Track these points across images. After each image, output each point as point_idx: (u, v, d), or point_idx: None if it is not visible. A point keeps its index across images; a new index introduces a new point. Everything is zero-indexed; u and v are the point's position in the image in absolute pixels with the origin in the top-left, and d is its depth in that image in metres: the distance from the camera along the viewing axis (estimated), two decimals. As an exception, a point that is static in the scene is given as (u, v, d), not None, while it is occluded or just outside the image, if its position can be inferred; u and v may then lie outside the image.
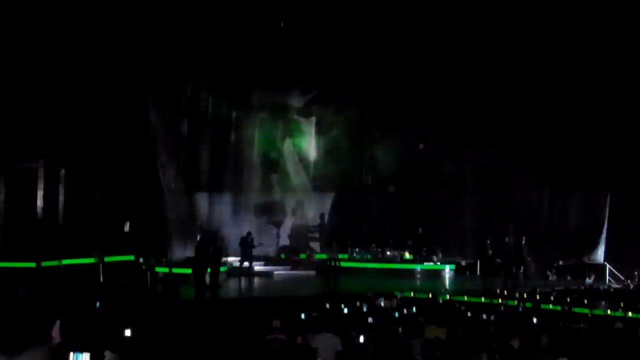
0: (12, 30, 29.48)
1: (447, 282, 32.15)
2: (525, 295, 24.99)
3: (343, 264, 33.98)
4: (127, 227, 32.30)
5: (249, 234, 33.24)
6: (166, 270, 30.90)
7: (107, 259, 31.54)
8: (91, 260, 30.87)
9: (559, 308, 23.11)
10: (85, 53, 30.61)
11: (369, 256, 34.77)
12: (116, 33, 30.78)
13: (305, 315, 19.87)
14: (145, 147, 32.14)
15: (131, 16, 30.91)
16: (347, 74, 34.99)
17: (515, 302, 23.99)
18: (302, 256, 35.08)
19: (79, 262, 30.99)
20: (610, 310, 22.02)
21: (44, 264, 30.02)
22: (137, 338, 16.61)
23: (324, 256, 34.64)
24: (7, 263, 29.64)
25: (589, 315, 21.57)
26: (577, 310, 22.65)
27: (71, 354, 13.01)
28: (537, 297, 24.65)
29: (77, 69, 30.60)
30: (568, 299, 24.09)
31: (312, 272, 33.91)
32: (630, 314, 21.42)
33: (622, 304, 22.58)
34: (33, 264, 29.71)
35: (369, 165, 37.20)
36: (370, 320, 19.04)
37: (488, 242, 32.12)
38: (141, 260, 31.97)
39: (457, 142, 35.73)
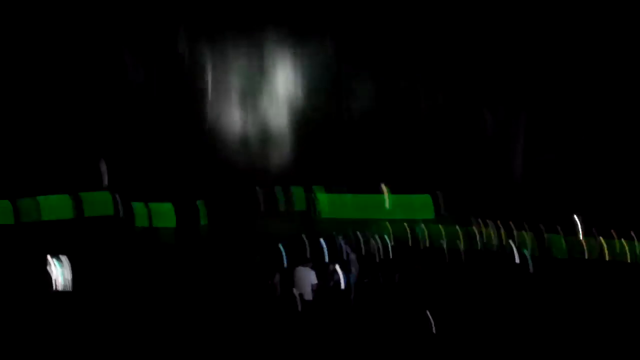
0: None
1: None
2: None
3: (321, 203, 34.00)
4: (102, 167, 32.10)
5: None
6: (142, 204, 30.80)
7: (82, 196, 31.34)
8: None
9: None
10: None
11: (344, 189, 34.80)
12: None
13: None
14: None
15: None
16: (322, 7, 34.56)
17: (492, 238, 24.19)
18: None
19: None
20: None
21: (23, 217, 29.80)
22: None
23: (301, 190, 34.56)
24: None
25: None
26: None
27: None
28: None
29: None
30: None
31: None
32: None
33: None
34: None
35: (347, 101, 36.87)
36: (348, 255, 19.25)
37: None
38: (117, 195, 31.80)
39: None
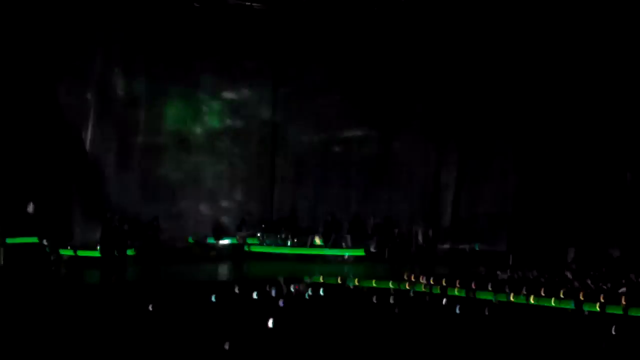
0: None
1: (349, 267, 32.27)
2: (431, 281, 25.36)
3: (253, 248, 33.89)
4: (30, 208, 31.38)
5: (155, 218, 32.78)
6: (71, 253, 30.20)
7: (9, 240, 30.62)
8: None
9: (463, 293, 23.58)
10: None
11: (279, 242, 34.71)
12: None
13: (215, 299, 19.77)
14: (51, 122, 31.26)
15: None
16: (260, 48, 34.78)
17: (422, 288, 24.36)
18: (210, 240, 34.68)
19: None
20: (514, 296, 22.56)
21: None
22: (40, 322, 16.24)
23: (233, 241, 34.39)
24: None
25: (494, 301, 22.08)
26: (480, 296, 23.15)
27: None
28: (444, 282, 25.03)
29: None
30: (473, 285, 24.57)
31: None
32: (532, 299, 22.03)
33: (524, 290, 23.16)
34: None
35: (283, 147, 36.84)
36: (280, 303, 19.07)
37: (396, 230, 32.55)
38: (45, 242, 31.12)
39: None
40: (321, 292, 21.38)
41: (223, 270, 31.20)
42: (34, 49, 31.03)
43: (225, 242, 34.32)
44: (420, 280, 25.24)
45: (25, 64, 30.86)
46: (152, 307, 17.67)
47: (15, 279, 25.92)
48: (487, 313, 19.09)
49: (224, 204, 35.83)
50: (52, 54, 31.40)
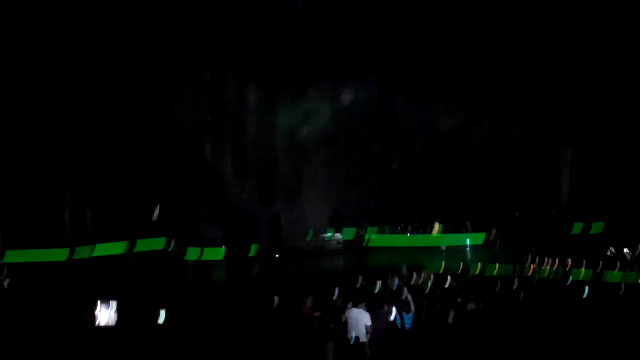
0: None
1: (470, 255, 32.03)
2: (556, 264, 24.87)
3: (373, 240, 34.05)
4: (156, 213, 32.54)
5: (277, 215, 33.44)
6: (198, 253, 31.14)
7: (138, 243, 31.86)
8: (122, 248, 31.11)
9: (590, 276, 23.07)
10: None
11: (398, 232, 34.76)
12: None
13: (339, 291, 20.02)
14: (172, 134, 32.54)
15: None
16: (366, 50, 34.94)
17: (546, 274, 23.93)
18: (329, 234, 35.04)
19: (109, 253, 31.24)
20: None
21: (76, 256, 30.36)
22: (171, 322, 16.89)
23: (352, 233, 34.60)
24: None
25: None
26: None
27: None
28: (568, 266, 24.54)
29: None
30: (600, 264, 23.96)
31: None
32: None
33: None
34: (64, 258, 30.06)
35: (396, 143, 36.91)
36: (404, 296, 19.15)
37: (517, 214, 32.06)
38: (172, 243, 32.22)
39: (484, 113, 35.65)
40: (449, 280, 21.28)
41: (344, 263, 31.49)
42: (154, 67, 32.40)
43: (342, 235, 34.68)
44: (545, 264, 24.80)
45: (145, 80, 32.23)
46: (278, 302, 18.03)
47: (146, 279, 26.92)
48: (618, 294, 18.64)
49: (342, 198, 36.26)
50: (170, 69, 32.70)
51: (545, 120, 35.08)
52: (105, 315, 14.31)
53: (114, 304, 14.45)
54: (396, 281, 21.72)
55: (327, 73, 35.20)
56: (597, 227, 33.47)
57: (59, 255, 29.67)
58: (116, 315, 14.37)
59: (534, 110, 34.88)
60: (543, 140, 35.64)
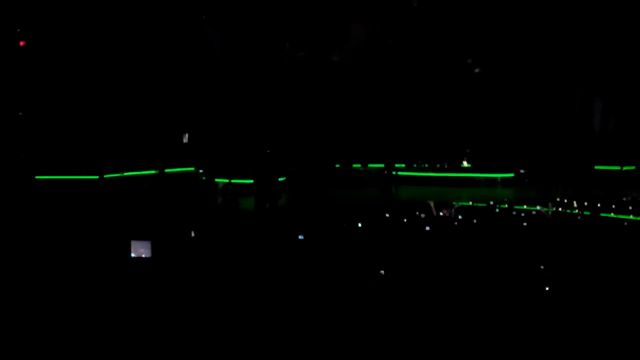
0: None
1: (500, 190, 31.90)
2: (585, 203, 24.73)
3: (401, 173, 34.07)
4: (185, 139, 32.78)
5: (303, 147, 33.51)
6: (226, 180, 31.39)
7: (167, 170, 32.22)
8: (152, 172, 31.59)
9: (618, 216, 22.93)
10: None
11: (426, 165, 34.70)
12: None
13: (361, 225, 20.09)
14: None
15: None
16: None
17: (576, 211, 23.80)
18: (357, 165, 35.07)
19: (141, 174, 31.73)
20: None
21: (107, 176, 30.87)
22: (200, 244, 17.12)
23: (380, 165, 34.60)
24: (71, 176, 30.53)
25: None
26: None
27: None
28: (599, 205, 24.37)
29: None
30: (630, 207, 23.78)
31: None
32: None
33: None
34: (96, 177, 30.60)
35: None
36: (427, 228, 19.21)
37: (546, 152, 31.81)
38: (201, 171, 32.52)
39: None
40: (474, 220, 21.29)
41: (373, 195, 31.54)
42: None
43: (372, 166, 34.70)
44: (573, 204, 24.67)
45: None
46: (304, 236, 18.14)
47: (174, 206, 27.25)
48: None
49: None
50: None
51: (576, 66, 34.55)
52: (140, 249, 14.60)
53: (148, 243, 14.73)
54: (422, 216, 21.78)
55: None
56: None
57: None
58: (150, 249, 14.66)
59: (564, 56, 34.33)
60: (574, 85, 35.08)
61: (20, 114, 31.23)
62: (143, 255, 14.70)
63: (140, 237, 15.34)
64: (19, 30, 30.67)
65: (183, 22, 32.74)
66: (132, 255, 14.72)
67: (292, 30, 34.35)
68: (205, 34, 33.10)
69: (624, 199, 25.64)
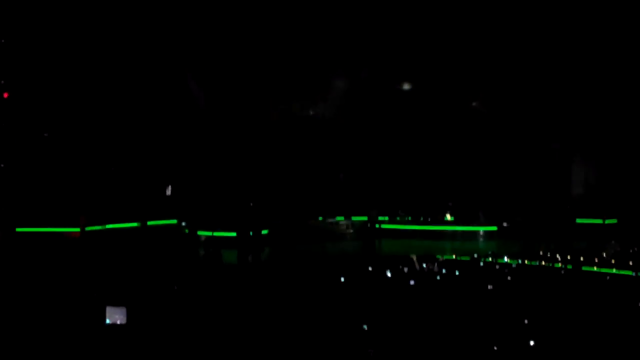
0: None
1: (483, 243, 31.94)
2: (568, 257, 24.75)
3: (384, 226, 34.04)
4: (169, 191, 32.69)
5: (286, 200, 33.47)
6: (209, 233, 31.22)
7: (149, 223, 32.03)
8: (134, 224, 31.40)
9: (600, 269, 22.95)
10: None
11: (409, 218, 34.71)
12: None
13: (344, 279, 19.94)
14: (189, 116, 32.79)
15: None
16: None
17: (559, 265, 23.80)
18: (339, 218, 35.03)
19: (122, 227, 31.51)
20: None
21: (89, 228, 30.61)
22: (183, 298, 16.90)
23: (363, 218, 34.60)
24: (54, 229, 30.25)
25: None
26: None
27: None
28: (581, 259, 24.38)
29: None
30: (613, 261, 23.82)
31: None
32: None
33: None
34: (77, 229, 30.35)
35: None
36: (411, 282, 19.09)
37: (531, 206, 31.99)
38: (183, 224, 32.35)
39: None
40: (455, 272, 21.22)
41: (355, 247, 31.44)
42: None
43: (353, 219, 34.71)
44: (557, 257, 24.67)
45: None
46: (290, 287, 17.96)
47: (157, 259, 26.99)
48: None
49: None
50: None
51: (558, 120, 35.01)
52: (115, 315, 14.37)
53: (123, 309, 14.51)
54: (405, 270, 21.68)
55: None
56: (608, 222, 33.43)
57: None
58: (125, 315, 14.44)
59: (547, 111, 34.82)
60: (556, 138, 35.49)
61: (1, 165, 31.09)
62: (118, 322, 14.44)
63: (117, 299, 15.13)
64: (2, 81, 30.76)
65: (167, 75, 32.93)
66: (107, 321, 14.46)
67: (275, 84, 34.59)
68: (188, 87, 33.28)
69: (606, 252, 25.71)
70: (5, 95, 30.82)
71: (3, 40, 30.48)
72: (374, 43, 34.29)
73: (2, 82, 30.80)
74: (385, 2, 34.17)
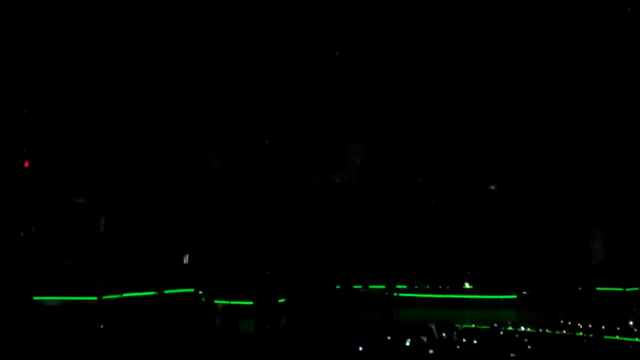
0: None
1: (503, 312, 31.60)
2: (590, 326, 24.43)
3: (402, 294, 33.77)
4: (186, 260, 32.70)
5: (304, 268, 33.40)
6: (226, 302, 31.08)
7: (167, 291, 31.98)
8: (152, 292, 31.35)
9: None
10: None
11: (427, 286, 34.45)
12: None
13: (362, 348, 19.74)
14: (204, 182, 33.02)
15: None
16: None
17: (581, 333, 23.47)
18: (357, 286, 34.81)
19: (140, 295, 31.46)
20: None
21: (106, 297, 30.59)
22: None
23: (381, 287, 34.37)
24: (69, 297, 30.27)
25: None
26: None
27: None
28: (602, 327, 24.07)
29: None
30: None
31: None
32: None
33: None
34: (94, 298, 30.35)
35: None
36: (430, 352, 18.88)
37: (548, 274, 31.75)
38: (200, 292, 32.27)
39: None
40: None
41: (374, 316, 31.16)
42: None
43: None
44: (578, 326, 24.35)
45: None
46: (307, 357, 17.80)
47: (174, 328, 26.84)
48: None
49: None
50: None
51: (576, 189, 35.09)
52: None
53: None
54: (424, 339, 21.44)
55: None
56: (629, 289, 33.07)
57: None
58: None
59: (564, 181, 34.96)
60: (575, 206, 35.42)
61: (21, 234, 31.27)
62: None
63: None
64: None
65: (183, 143, 33.30)
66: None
67: (291, 151, 34.90)
68: (204, 154, 33.60)
69: (628, 321, 25.38)
70: (27, 164, 31.22)
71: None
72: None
73: (24, 151, 31.25)
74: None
